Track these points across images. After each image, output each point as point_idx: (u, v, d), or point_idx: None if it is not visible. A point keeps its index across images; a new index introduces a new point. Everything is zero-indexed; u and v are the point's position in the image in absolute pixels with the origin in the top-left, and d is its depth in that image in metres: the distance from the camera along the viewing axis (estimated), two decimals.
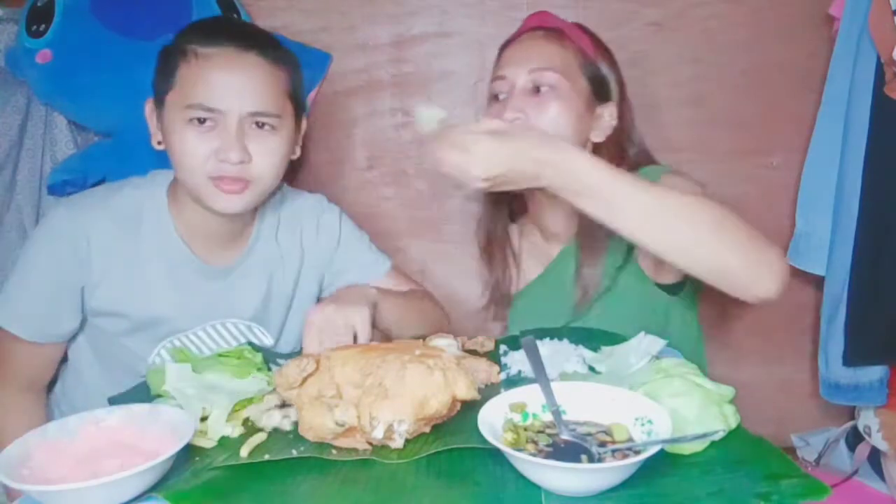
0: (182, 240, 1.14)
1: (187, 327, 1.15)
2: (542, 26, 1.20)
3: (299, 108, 1.15)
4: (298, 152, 1.18)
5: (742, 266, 0.90)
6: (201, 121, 1.03)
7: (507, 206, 1.34)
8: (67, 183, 1.39)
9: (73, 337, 1.18)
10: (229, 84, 1.03)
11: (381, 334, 1.21)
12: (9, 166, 1.48)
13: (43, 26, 1.38)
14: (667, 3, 1.61)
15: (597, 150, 1.20)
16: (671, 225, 0.89)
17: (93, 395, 1.13)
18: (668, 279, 1.21)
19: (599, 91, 1.19)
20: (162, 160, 1.22)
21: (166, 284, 1.13)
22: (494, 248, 1.36)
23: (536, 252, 1.34)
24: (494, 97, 1.20)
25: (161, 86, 1.07)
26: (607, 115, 1.20)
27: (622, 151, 1.23)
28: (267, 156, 1.07)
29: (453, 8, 1.65)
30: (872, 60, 1.42)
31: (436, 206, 1.74)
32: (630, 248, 1.18)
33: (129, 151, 1.38)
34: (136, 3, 1.42)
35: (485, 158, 0.89)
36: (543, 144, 0.91)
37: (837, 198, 1.52)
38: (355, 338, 0.99)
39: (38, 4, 1.40)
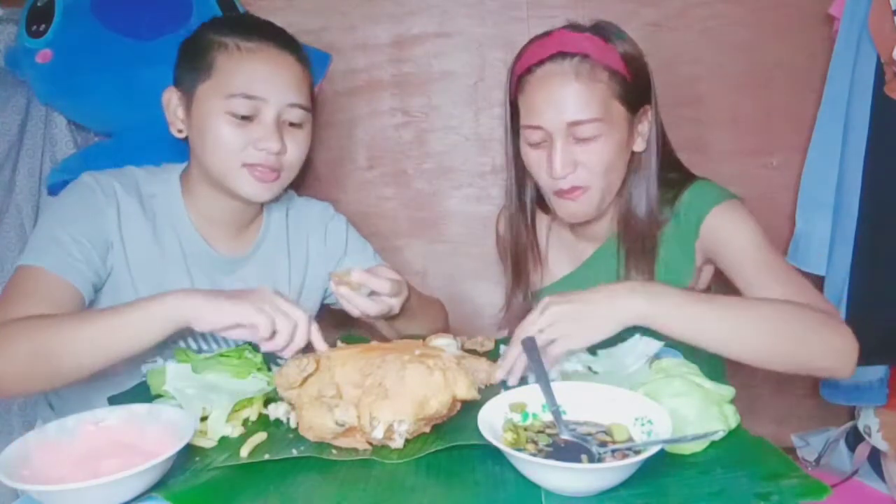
0: (195, 228, 1.17)
1: None
2: (566, 52, 1.11)
3: (314, 106, 1.21)
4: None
5: (824, 361, 0.94)
6: (242, 115, 1.07)
7: (533, 199, 1.29)
8: (67, 183, 1.38)
9: None
10: (271, 76, 1.09)
11: (387, 329, 1.23)
12: (8, 166, 1.48)
13: (43, 26, 1.37)
14: (667, 3, 1.61)
15: (639, 156, 1.18)
16: (754, 338, 0.92)
17: (82, 388, 1.08)
18: (703, 286, 1.23)
19: (633, 105, 1.14)
20: (161, 159, 1.22)
21: (181, 270, 1.15)
22: (518, 241, 1.31)
23: (565, 250, 1.31)
24: (530, 144, 1.15)
25: (191, 75, 1.10)
26: (645, 121, 1.17)
27: (664, 153, 1.21)
28: (297, 148, 1.13)
29: (453, 8, 1.65)
30: (872, 60, 1.42)
31: (436, 206, 1.74)
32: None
33: (129, 151, 1.38)
34: (136, 3, 1.42)
35: (574, 331, 0.90)
36: (602, 302, 0.91)
37: (837, 198, 1.52)
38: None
39: (38, 4, 1.40)
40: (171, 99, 1.14)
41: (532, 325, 0.89)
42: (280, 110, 1.09)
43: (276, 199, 1.23)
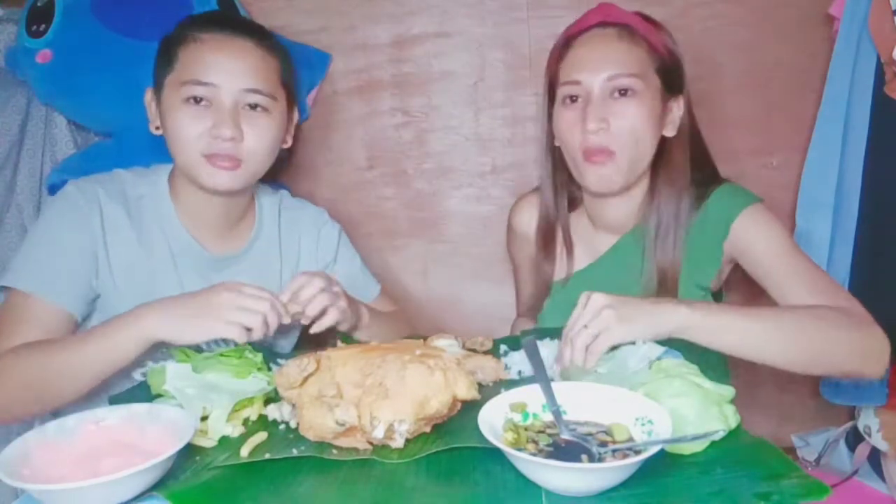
0: (184, 227, 1.17)
1: None
2: (609, 21, 1.15)
3: (292, 97, 1.20)
4: (290, 141, 1.24)
5: (855, 364, 0.98)
6: (197, 100, 1.08)
7: (568, 194, 1.30)
8: (67, 183, 1.39)
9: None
10: (223, 62, 1.09)
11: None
12: (9, 166, 1.48)
13: (43, 26, 1.38)
14: (667, 3, 1.61)
15: (669, 144, 1.19)
16: (786, 344, 0.95)
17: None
18: (720, 285, 1.24)
19: (670, 85, 1.17)
20: (161, 159, 1.22)
21: (169, 271, 1.15)
22: (554, 236, 1.32)
23: (584, 242, 1.31)
24: (567, 98, 1.16)
25: (161, 72, 1.12)
26: (676, 108, 1.19)
27: (693, 145, 1.22)
28: (259, 136, 1.11)
29: (453, 8, 1.65)
30: (872, 60, 1.42)
31: (436, 206, 1.74)
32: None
33: (129, 151, 1.38)
34: (136, 3, 1.42)
35: (594, 303, 0.91)
36: (647, 310, 0.92)
37: (837, 198, 1.52)
38: (320, 315, 1.06)
39: (38, 4, 1.40)
40: (148, 99, 1.16)
41: (580, 320, 0.90)
42: (236, 96, 1.09)
43: (265, 201, 1.25)
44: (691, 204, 1.19)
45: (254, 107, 1.11)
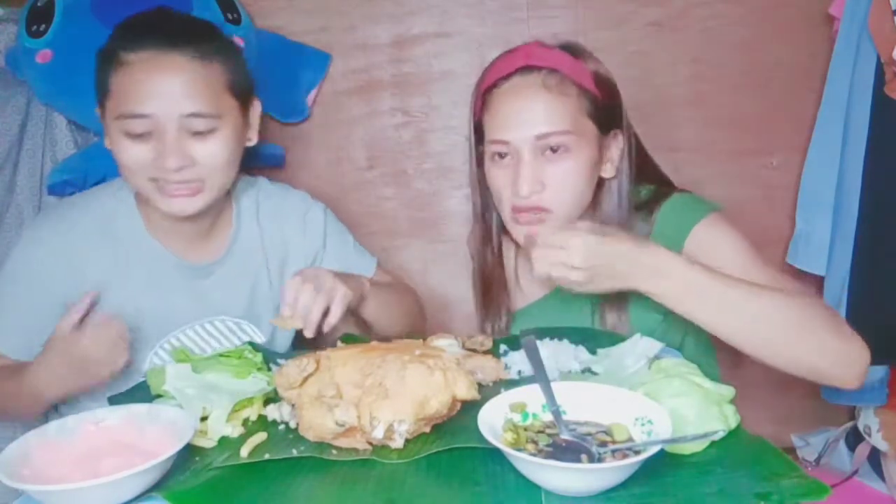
0: (157, 239, 1.12)
1: (175, 328, 1.14)
2: (534, 65, 1.07)
3: (244, 95, 1.09)
4: (255, 138, 1.14)
5: (828, 367, 0.95)
6: (136, 135, 1.00)
7: (500, 224, 1.23)
8: (67, 183, 1.39)
9: None
10: (156, 87, 0.99)
11: (362, 327, 1.21)
12: (9, 166, 1.48)
13: (43, 26, 1.37)
14: (667, 3, 1.61)
15: (608, 182, 1.14)
16: (761, 325, 0.93)
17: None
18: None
19: (603, 125, 1.11)
20: None
21: (148, 285, 1.12)
22: (485, 267, 1.28)
23: (525, 282, 1.26)
24: (496, 155, 1.11)
25: (100, 90, 1.04)
26: (615, 146, 1.13)
27: (639, 169, 1.16)
28: (212, 155, 1.03)
29: (453, 8, 1.65)
30: (872, 60, 1.42)
31: (436, 206, 1.74)
32: None
33: None
34: (136, 3, 1.41)
35: (584, 249, 0.91)
36: (640, 247, 0.93)
37: (837, 198, 1.52)
38: (325, 315, 1.00)
39: (38, 4, 1.40)
40: (99, 113, 1.07)
41: (567, 266, 0.92)
42: (177, 122, 0.99)
43: (242, 197, 1.20)
44: (638, 225, 1.14)
45: (199, 132, 1.01)
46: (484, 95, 1.12)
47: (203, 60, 1.01)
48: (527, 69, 1.07)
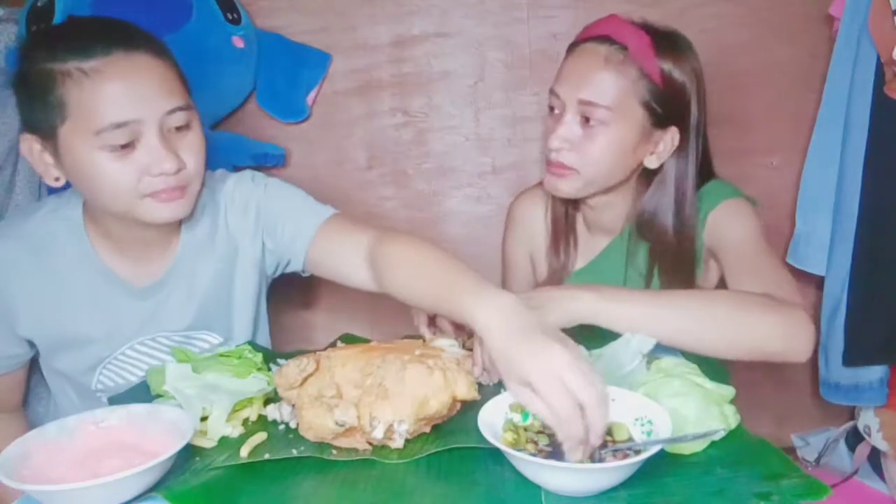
0: (101, 259, 1.07)
1: (118, 348, 1.10)
2: (608, 36, 1.11)
3: (190, 93, 1.03)
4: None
5: (776, 344, 0.95)
6: (119, 145, 0.92)
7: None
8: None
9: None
10: (134, 90, 0.92)
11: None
12: (8, 167, 1.47)
13: (43, 26, 1.37)
14: (667, 3, 1.61)
15: (651, 175, 1.17)
16: (699, 328, 0.93)
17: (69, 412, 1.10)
18: (711, 285, 1.23)
19: (659, 117, 1.12)
20: None
21: (90, 306, 1.07)
22: (561, 235, 1.31)
23: (581, 243, 1.30)
24: (550, 108, 1.18)
25: (43, 117, 0.93)
26: (667, 140, 1.14)
27: (682, 174, 1.17)
28: (195, 154, 0.99)
29: (453, 8, 1.65)
30: (872, 60, 1.42)
31: (436, 206, 1.74)
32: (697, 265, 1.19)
33: None
34: (136, 3, 1.42)
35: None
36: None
37: (837, 198, 1.52)
38: None
39: (38, 4, 1.40)
40: (32, 147, 0.97)
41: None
42: (160, 122, 0.94)
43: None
44: (688, 226, 1.17)
45: (179, 127, 0.97)
46: (567, 52, 1.18)
47: (162, 56, 0.97)
48: (601, 38, 1.12)
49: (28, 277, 1.04)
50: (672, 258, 1.17)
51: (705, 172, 1.23)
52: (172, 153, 0.95)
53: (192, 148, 0.99)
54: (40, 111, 0.93)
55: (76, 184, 0.98)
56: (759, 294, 0.96)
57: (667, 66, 1.11)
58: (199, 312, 1.13)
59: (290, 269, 1.17)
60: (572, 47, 1.16)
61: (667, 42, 1.12)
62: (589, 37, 1.14)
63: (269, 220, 1.13)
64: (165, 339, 1.12)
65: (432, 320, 1.06)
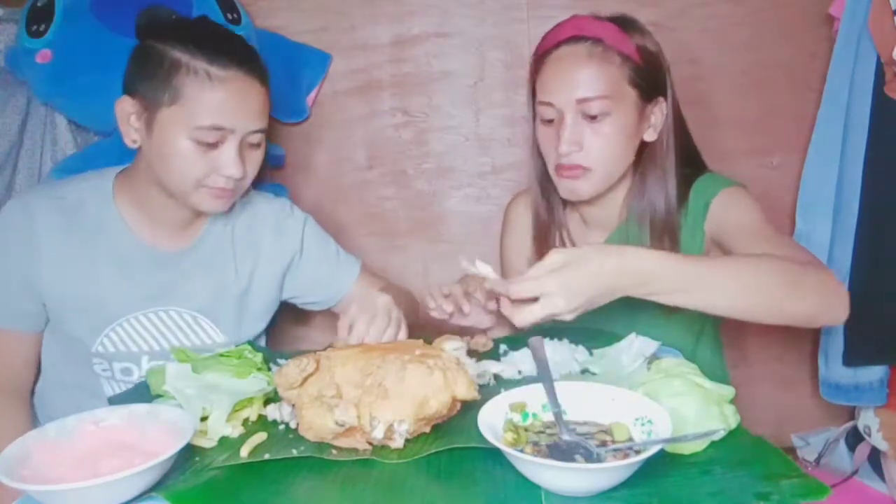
0: (127, 226, 1.17)
1: (130, 312, 1.17)
2: (581, 35, 1.15)
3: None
4: None
5: (815, 309, 0.95)
6: (207, 143, 1.07)
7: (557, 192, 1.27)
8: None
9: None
10: (240, 106, 1.08)
11: None
12: (8, 166, 1.48)
13: (43, 26, 1.37)
14: (666, 2, 1.61)
15: (652, 145, 1.20)
16: (743, 293, 0.92)
17: (56, 392, 1.22)
18: None
19: (647, 93, 1.16)
20: None
21: (111, 268, 1.16)
22: (548, 236, 1.32)
23: (578, 240, 1.31)
24: (543, 120, 1.18)
25: (153, 94, 1.06)
26: (658, 112, 1.19)
27: (679, 141, 1.21)
28: (254, 167, 1.15)
29: (453, 8, 1.65)
30: (872, 60, 1.42)
31: (436, 206, 1.74)
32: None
33: (128, 151, 1.37)
34: (136, 3, 1.41)
35: (562, 294, 0.84)
36: (607, 257, 0.86)
37: (837, 198, 1.52)
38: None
39: (38, 4, 1.40)
40: (126, 109, 1.10)
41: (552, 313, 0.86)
42: (243, 137, 1.10)
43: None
44: (678, 197, 1.19)
45: (254, 144, 1.13)
46: (537, 62, 1.20)
47: (265, 84, 1.13)
48: (574, 39, 1.15)
49: (56, 234, 1.14)
50: (663, 239, 1.19)
51: (696, 164, 1.25)
52: (242, 163, 1.10)
53: (255, 163, 1.15)
54: (154, 87, 1.06)
55: (151, 154, 1.10)
56: (793, 258, 0.95)
57: (639, 42, 1.16)
58: (212, 297, 1.22)
59: (309, 307, 1.38)
60: (543, 57, 1.18)
61: (627, 24, 1.18)
62: (558, 42, 1.16)
63: (304, 272, 1.32)
64: (176, 314, 1.20)
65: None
